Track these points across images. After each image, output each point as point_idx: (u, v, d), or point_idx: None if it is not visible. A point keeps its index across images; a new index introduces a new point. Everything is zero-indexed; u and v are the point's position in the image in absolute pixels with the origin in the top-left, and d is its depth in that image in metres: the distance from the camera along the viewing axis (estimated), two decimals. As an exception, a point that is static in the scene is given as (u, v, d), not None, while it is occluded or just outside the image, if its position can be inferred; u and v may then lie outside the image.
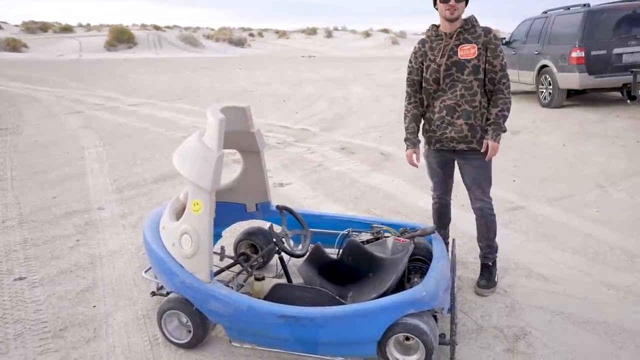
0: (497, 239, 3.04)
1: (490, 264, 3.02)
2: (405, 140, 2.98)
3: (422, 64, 2.86)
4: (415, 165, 2.99)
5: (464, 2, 2.71)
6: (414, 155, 2.94)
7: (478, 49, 2.70)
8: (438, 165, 2.99)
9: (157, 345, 2.55)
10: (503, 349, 2.46)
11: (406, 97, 2.99)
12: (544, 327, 2.62)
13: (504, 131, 2.80)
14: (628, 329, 2.59)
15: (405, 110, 3.00)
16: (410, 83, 2.95)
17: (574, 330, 2.60)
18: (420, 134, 2.97)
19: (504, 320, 2.70)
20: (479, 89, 2.74)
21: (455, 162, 2.97)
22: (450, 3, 2.65)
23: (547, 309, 2.79)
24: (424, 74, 2.85)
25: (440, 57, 2.76)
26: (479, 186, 2.90)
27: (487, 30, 2.75)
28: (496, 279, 3.03)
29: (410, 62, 2.92)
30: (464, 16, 2.77)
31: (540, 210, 4.29)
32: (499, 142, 2.76)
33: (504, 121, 2.78)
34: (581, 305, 2.81)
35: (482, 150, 2.78)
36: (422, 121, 2.98)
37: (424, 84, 2.87)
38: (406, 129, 2.98)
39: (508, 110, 2.77)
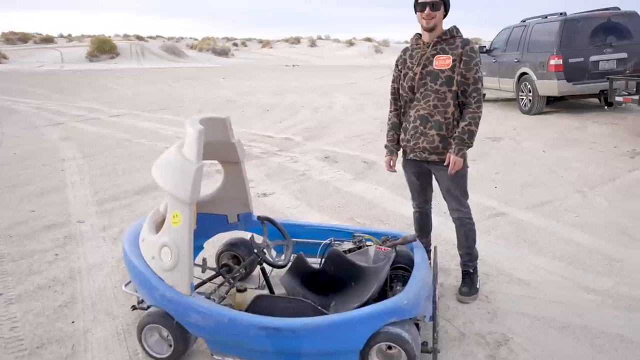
0: (478, 246, 3.06)
1: (471, 271, 3.04)
2: (385, 146, 3.05)
3: (401, 72, 2.89)
4: (393, 171, 3.04)
5: (442, 12, 2.73)
6: (391, 162, 3.02)
7: (453, 60, 2.71)
8: (414, 175, 3.02)
9: (137, 361, 2.51)
10: (485, 356, 2.47)
11: (389, 105, 3.04)
12: (525, 333, 2.64)
13: (470, 146, 2.77)
14: (607, 332, 2.62)
15: (388, 117, 3.06)
16: (392, 91, 2.99)
17: (555, 334, 2.63)
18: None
19: (486, 326, 2.72)
20: (452, 101, 2.74)
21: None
22: (426, 12, 2.68)
23: (528, 315, 2.81)
24: (401, 82, 2.89)
25: (416, 66, 2.79)
26: (454, 197, 2.92)
27: (465, 42, 2.73)
28: (478, 286, 3.05)
29: (394, 70, 2.97)
30: (446, 26, 2.79)
31: (521, 216, 4.33)
32: (461, 157, 2.74)
33: (470, 136, 2.72)
34: (561, 310, 2.84)
35: (444, 164, 2.79)
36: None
37: (400, 92, 2.91)
38: (386, 135, 3.05)
39: (476, 125, 2.73)
